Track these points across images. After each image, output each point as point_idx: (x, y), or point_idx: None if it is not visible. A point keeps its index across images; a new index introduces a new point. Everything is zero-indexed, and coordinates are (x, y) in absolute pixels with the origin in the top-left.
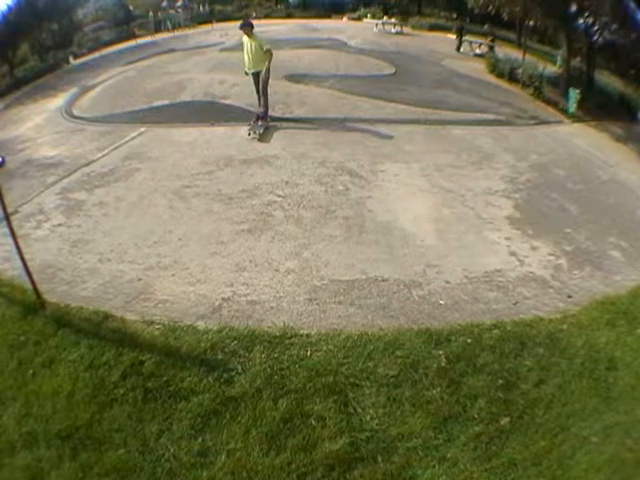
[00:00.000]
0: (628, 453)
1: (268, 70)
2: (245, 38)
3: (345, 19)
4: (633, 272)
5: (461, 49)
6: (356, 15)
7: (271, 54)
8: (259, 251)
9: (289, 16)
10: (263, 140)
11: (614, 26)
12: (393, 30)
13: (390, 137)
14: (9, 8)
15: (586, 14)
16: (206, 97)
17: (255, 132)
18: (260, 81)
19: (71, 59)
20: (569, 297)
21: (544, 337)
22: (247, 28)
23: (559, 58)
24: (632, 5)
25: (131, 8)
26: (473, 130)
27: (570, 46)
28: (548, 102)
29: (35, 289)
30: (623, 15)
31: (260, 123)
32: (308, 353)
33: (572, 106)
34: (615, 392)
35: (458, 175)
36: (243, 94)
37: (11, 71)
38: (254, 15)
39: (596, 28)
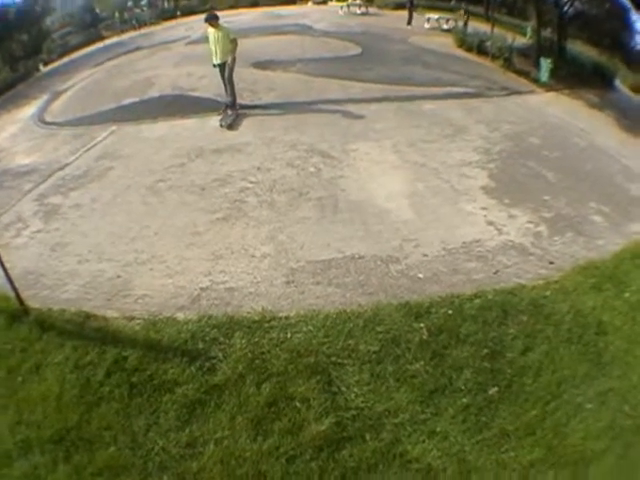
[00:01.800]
0: (627, 419)
1: (234, 59)
2: (210, 29)
3: (310, 4)
4: (616, 236)
5: (412, 23)
6: None
7: (236, 43)
8: (234, 238)
9: (254, 5)
10: (233, 129)
11: None
12: (358, 11)
13: (360, 116)
14: None
15: None
16: (174, 91)
17: (226, 122)
18: (226, 70)
19: (41, 66)
20: (551, 263)
21: (527, 304)
22: (213, 21)
23: (529, 30)
24: None
25: (97, 11)
26: (444, 104)
27: (540, 18)
28: (519, 73)
29: (18, 296)
30: None
31: (229, 112)
32: (288, 335)
33: (544, 75)
34: (607, 357)
35: (430, 149)
36: (211, 85)
37: None
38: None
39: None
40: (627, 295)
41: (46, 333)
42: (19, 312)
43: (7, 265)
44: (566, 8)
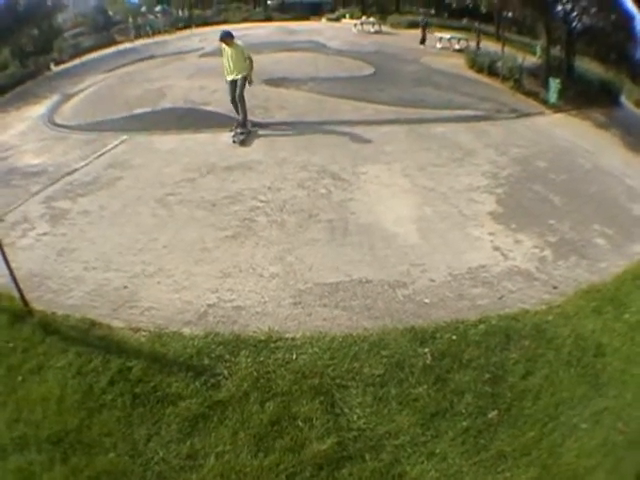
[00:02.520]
0: (619, 436)
1: (249, 79)
2: (225, 46)
3: (324, 20)
4: (618, 258)
5: (425, 42)
6: (335, 16)
7: (252, 61)
8: (243, 257)
9: (268, 19)
10: (245, 146)
11: (593, 9)
12: (372, 29)
13: (371, 138)
14: None
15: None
16: (187, 104)
17: (238, 138)
18: (237, 87)
19: (52, 66)
20: (554, 288)
21: (530, 329)
22: (227, 39)
23: (538, 48)
24: None
25: (110, 13)
26: (453, 127)
27: (549, 34)
28: (528, 94)
29: (22, 297)
30: None
31: (239, 130)
32: (294, 356)
33: (552, 96)
34: (604, 378)
35: (439, 173)
36: (224, 100)
37: None
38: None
39: (575, 13)
40: (627, 316)
41: (49, 336)
42: (23, 313)
43: (12, 265)
44: (574, 23)
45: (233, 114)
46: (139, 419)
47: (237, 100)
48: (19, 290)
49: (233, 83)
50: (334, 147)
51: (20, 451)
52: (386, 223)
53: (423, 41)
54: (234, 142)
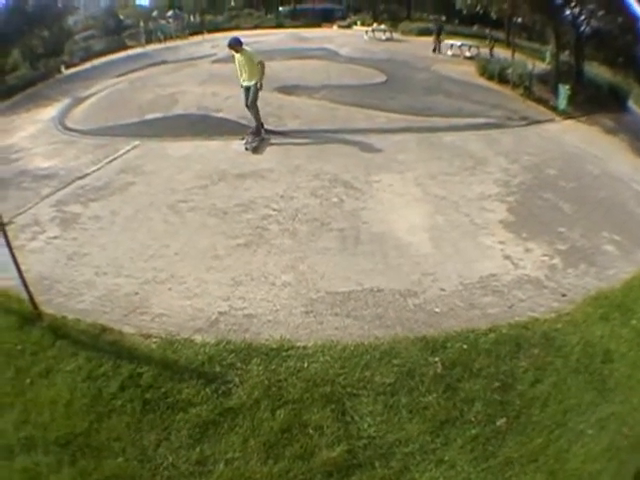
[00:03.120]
0: (624, 440)
1: (261, 83)
2: (235, 53)
3: (335, 27)
4: (627, 264)
5: (437, 50)
6: (346, 23)
7: (263, 65)
8: (255, 265)
9: (279, 26)
10: (257, 153)
11: (601, 12)
12: (383, 37)
13: (383, 147)
14: None
15: (572, 3)
16: (199, 110)
17: (251, 145)
18: (250, 93)
19: (63, 68)
20: (563, 296)
21: (539, 337)
22: (236, 46)
23: (548, 54)
24: None
25: (121, 17)
26: (465, 135)
27: (558, 39)
28: (539, 101)
29: (32, 300)
30: None
31: (251, 138)
32: (305, 364)
33: (562, 103)
34: (611, 384)
35: (451, 182)
36: (236, 107)
37: (2, 78)
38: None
39: (583, 17)
40: (634, 322)
41: (59, 340)
42: (32, 316)
43: (22, 267)
44: (583, 27)
45: (246, 121)
46: (149, 425)
47: (250, 106)
48: (29, 293)
49: (247, 89)
50: (346, 156)
51: (27, 452)
52: (398, 232)
53: (436, 49)
54: (246, 149)
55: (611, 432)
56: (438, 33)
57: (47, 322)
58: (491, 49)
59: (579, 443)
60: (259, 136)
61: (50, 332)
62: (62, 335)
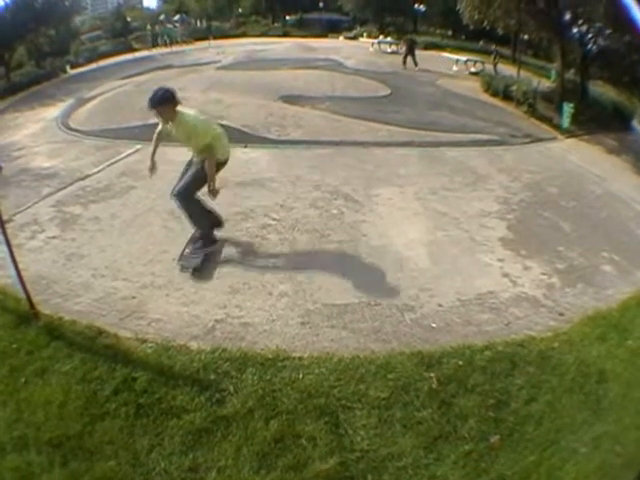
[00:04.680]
0: (616, 459)
1: (213, 185)
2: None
3: (341, 38)
4: (625, 285)
5: (406, 65)
6: (352, 34)
7: (213, 155)
8: (253, 274)
9: (286, 35)
10: (258, 165)
11: (608, 31)
12: (389, 49)
13: (385, 161)
14: (6, 4)
15: (580, 22)
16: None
17: (188, 262)
18: (189, 175)
19: (68, 68)
20: (561, 315)
21: (535, 356)
22: (162, 108)
23: (553, 72)
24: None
25: (129, 19)
26: (467, 151)
27: (564, 57)
28: (542, 119)
29: (29, 299)
30: (616, 16)
31: (193, 249)
32: (300, 376)
33: (565, 121)
34: (605, 403)
35: (452, 198)
36: (238, 115)
37: (7, 74)
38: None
39: (590, 36)
40: (630, 342)
41: (55, 341)
42: (28, 315)
43: (20, 267)
44: (590, 46)
45: (248, 129)
46: (142, 430)
47: (179, 200)
48: (26, 292)
49: (188, 165)
50: (348, 168)
51: (19, 451)
52: (397, 246)
53: (405, 63)
54: (182, 267)
55: (604, 451)
56: (410, 48)
57: (43, 322)
58: (495, 65)
59: (572, 461)
60: (207, 247)
61: (46, 332)
62: (58, 336)
